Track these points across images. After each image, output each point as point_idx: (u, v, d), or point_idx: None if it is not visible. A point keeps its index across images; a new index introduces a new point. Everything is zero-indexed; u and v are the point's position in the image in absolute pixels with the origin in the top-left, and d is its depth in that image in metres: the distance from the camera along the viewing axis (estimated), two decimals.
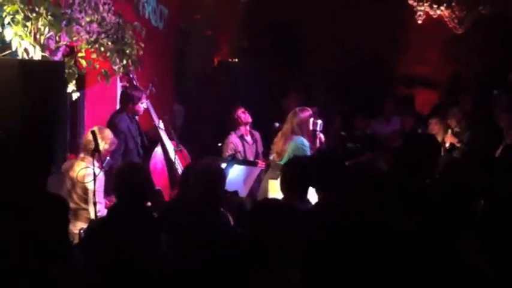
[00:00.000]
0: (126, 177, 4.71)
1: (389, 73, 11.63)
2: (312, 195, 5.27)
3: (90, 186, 6.00)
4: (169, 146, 7.57)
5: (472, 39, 11.08)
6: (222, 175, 5.11)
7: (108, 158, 6.44)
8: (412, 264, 3.61)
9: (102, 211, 6.01)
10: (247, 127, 8.28)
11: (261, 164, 7.79)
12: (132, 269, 4.13)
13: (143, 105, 7.44)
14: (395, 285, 3.47)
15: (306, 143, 7.32)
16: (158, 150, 7.52)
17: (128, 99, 7.40)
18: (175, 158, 7.46)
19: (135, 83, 7.56)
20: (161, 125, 7.61)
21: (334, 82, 11.39)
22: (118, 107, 7.67)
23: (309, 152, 7.23)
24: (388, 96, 10.47)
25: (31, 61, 5.44)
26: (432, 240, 3.86)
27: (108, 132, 6.53)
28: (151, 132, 7.64)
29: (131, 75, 7.54)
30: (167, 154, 7.54)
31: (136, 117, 7.49)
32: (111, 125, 7.25)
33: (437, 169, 5.44)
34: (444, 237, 3.96)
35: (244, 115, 8.26)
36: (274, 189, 6.50)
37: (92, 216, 5.86)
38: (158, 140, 7.57)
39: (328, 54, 11.33)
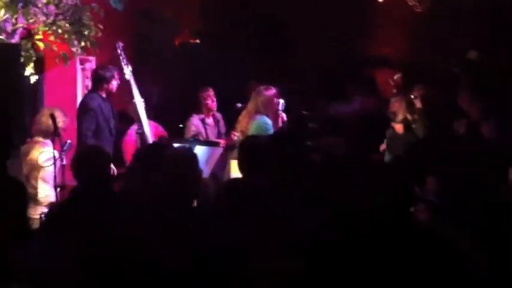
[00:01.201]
0: (86, 160, 4.65)
1: (351, 54, 11.64)
2: None
3: (50, 169, 5.95)
4: (146, 124, 7.53)
5: (431, 18, 11.13)
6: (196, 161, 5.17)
7: (68, 141, 6.37)
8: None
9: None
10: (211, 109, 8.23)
11: (223, 144, 7.77)
12: (97, 253, 4.08)
13: (116, 82, 7.36)
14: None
15: (269, 122, 7.32)
16: (133, 128, 7.49)
17: (100, 80, 7.31)
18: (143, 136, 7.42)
19: (121, 54, 7.48)
20: (141, 102, 7.53)
21: (295, 66, 11.38)
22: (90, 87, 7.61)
23: (271, 131, 7.24)
24: (350, 77, 10.51)
25: None
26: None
27: (59, 112, 6.43)
28: (130, 109, 7.57)
29: (118, 48, 7.47)
30: (144, 132, 7.50)
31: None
32: (82, 104, 7.25)
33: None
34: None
35: (211, 102, 8.18)
36: (237, 169, 6.52)
37: (52, 199, 5.81)
38: (135, 118, 7.51)
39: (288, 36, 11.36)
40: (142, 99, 7.54)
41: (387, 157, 8.45)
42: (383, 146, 8.47)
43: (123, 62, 7.52)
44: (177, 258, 3.90)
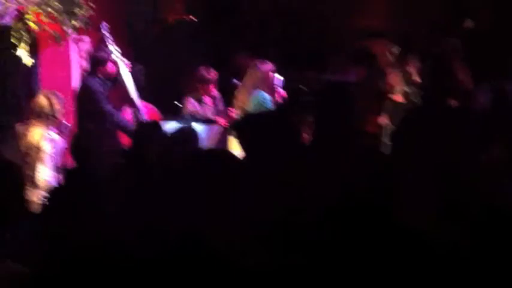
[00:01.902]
0: (82, 143, 4.63)
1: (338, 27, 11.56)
2: None
3: (48, 151, 5.93)
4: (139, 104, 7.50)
5: None
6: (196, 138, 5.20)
7: (66, 123, 6.36)
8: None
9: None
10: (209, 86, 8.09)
11: (222, 122, 7.70)
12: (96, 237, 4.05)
13: (111, 63, 7.37)
14: None
15: (267, 97, 7.27)
16: (127, 110, 7.48)
17: (96, 63, 7.33)
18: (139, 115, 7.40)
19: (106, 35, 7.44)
20: (131, 82, 7.51)
21: (282, 40, 11.31)
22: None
23: (270, 107, 7.20)
24: (340, 50, 10.43)
25: None
26: None
27: (56, 95, 6.43)
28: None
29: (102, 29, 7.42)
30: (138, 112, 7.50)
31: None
32: (83, 87, 7.27)
33: None
34: None
35: (212, 86, 8.05)
36: (236, 146, 6.49)
37: (52, 183, 5.78)
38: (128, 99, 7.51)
39: (273, 12, 11.28)
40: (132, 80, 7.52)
41: (390, 129, 8.44)
42: (382, 119, 8.47)
43: (109, 43, 7.48)
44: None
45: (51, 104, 5.78)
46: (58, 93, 6.52)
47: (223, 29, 10.76)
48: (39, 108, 6.22)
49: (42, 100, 6.18)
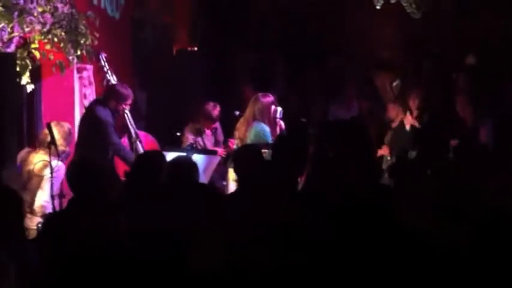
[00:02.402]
0: (79, 171, 4.63)
1: (347, 56, 11.61)
2: None
3: (47, 178, 5.94)
4: (134, 133, 7.52)
5: (430, 23, 11.12)
6: (196, 170, 5.27)
7: (66, 149, 6.38)
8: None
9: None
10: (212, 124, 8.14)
11: (221, 152, 7.75)
12: (92, 261, 4.06)
13: (126, 108, 7.37)
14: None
15: (267, 129, 7.33)
16: (124, 141, 7.49)
17: (114, 96, 7.29)
18: (136, 147, 7.41)
19: (104, 65, 7.47)
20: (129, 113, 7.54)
21: (291, 70, 11.36)
22: (99, 99, 7.58)
23: (269, 139, 7.24)
24: (349, 80, 10.46)
25: None
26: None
27: (66, 127, 6.47)
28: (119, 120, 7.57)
29: (101, 59, 7.46)
30: (138, 141, 7.50)
31: None
32: (92, 116, 7.20)
33: None
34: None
35: (214, 121, 8.11)
36: (234, 176, 6.52)
37: (48, 210, 5.79)
38: (125, 129, 7.51)
39: (286, 38, 11.33)
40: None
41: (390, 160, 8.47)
42: (382, 151, 8.51)
43: (108, 73, 7.53)
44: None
45: (50, 132, 5.80)
46: (67, 124, 6.57)
47: (227, 60, 10.83)
48: (42, 138, 6.24)
49: (45, 130, 6.25)
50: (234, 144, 7.60)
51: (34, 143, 7.49)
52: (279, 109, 7.53)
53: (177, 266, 3.80)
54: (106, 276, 3.90)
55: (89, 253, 4.04)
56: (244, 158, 5.20)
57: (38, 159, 6.18)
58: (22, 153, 6.44)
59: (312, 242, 3.68)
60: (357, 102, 9.92)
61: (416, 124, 8.71)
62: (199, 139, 7.96)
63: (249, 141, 7.16)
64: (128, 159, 6.92)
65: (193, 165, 5.33)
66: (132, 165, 5.77)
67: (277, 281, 3.53)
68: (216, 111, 8.04)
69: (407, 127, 8.73)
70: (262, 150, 5.57)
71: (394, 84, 10.77)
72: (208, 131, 8.13)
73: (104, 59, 7.55)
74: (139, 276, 3.86)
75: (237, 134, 7.57)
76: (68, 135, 6.48)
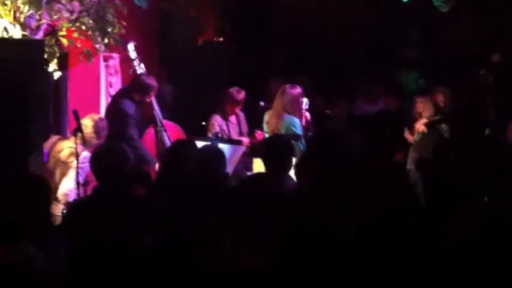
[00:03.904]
0: (103, 160, 4.58)
1: (372, 54, 11.56)
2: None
3: (73, 166, 5.95)
4: (160, 123, 7.52)
5: (456, 19, 11.04)
6: (224, 160, 5.32)
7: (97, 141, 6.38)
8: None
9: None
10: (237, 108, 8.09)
11: (246, 143, 7.73)
12: (111, 255, 4.05)
13: (151, 98, 7.35)
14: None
15: (298, 122, 7.39)
16: (151, 128, 7.49)
17: (139, 88, 7.30)
18: (162, 137, 7.41)
19: (133, 54, 7.48)
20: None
21: (314, 66, 11.33)
22: (124, 90, 7.58)
23: (300, 132, 7.27)
24: (373, 78, 10.41)
25: (9, 39, 5.38)
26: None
27: (97, 120, 6.47)
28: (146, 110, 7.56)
29: (131, 48, 7.48)
30: (164, 131, 7.49)
31: None
32: (116, 107, 7.22)
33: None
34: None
35: (239, 107, 8.08)
36: (260, 167, 6.52)
37: (72, 197, 5.80)
38: (151, 119, 7.51)
39: (310, 36, 11.33)
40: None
41: (411, 156, 8.45)
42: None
43: (136, 62, 7.51)
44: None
45: (76, 119, 5.81)
46: (99, 116, 6.61)
47: (254, 52, 10.82)
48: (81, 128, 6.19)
49: (86, 121, 6.29)
50: (262, 135, 7.60)
51: (60, 131, 7.55)
52: (305, 100, 7.54)
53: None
54: (121, 271, 3.90)
55: (105, 247, 4.03)
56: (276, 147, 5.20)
57: (65, 147, 6.20)
58: (51, 141, 6.48)
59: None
60: (384, 99, 9.85)
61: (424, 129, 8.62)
62: (224, 127, 7.91)
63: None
64: (140, 154, 6.89)
65: (222, 154, 5.35)
66: (165, 153, 5.81)
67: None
68: (240, 95, 7.95)
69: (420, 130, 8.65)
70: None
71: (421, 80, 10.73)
72: (233, 119, 8.06)
73: (133, 48, 7.53)
74: (153, 275, 3.85)
75: (267, 126, 7.57)
76: (99, 129, 6.46)
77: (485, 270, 3.62)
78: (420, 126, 8.65)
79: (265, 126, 7.68)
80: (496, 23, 10.68)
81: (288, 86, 7.57)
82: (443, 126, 8.70)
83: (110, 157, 4.52)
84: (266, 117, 7.68)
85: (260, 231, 3.81)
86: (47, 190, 4.06)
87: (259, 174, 5.56)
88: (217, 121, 7.90)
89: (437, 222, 3.89)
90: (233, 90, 7.98)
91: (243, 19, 11.01)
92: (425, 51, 11.49)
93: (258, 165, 6.59)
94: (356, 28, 11.56)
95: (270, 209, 4.08)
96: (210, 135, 7.68)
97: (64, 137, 6.77)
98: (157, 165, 7.08)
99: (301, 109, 7.53)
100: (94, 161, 4.59)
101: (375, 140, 4.75)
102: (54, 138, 6.74)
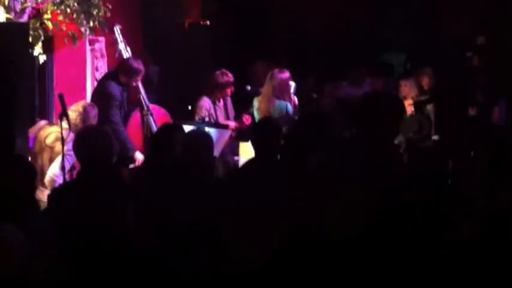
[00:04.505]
0: (85, 144, 4.55)
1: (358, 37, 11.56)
2: None
3: (58, 150, 5.91)
4: (146, 107, 7.50)
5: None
6: (212, 144, 5.31)
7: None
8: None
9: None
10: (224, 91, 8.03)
11: (233, 127, 7.70)
12: (94, 237, 4.03)
13: (138, 82, 7.33)
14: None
15: (290, 107, 7.42)
16: (137, 112, 7.47)
17: (125, 71, 7.26)
18: (148, 120, 7.40)
19: (119, 37, 7.44)
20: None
21: (302, 48, 11.32)
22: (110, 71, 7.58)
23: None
24: (358, 61, 10.42)
25: None
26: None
27: (89, 109, 6.42)
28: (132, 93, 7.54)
29: (116, 31, 7.44)
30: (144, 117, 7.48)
31: None
32: (105, 90, 7.17)
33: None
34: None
35: (229, 91, 8.01)
36: (246, 151, 6.53)
37: (58, 182, 5.76)
38: (138, 102, 7.48)
39: (297, 19, 11.31)
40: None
41: (398, 138, 8.46)
42: None
43: (121, 46, 7.49)
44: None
45: (62, 103, 5.75)
46: (84, 102, 6.57)
47: (239, 35, 10.80)
48: (70, 113, 6.12)
49: (74, 107, 6.27)
50: (249, 120, 7.59)
51: (45, 115, 7.52)
52: (293, 84, 7.57)
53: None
54: (106, 256, 3.88)
55: (89, 231, 4.01)
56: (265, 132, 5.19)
57: (51, 132, 6.16)
58: (39, 126, 6.44)
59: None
60: (371, 80, 9.85)
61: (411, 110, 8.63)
62: (212, 111, 7.87)
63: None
64: (120, 140, 6.85)
65: (209, 138, 5.35)
66: (153, 137, 5.79)
67: None
68: (225, 77, 7.83)
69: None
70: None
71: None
72: (221, 104, 7.99)
73: (119, 31, 7.50)
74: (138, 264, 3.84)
75: (257, 112, 7.57)
76: (87, 114, 6.41)
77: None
78: (407, 107, 8.66)
79: (255, 112, 7.67)
80: (483, 11, 10.71)
81: (276, 70, 7.57)
82: (429, 107, 8.72)
83: (92, 141, 4.48)
84: (256, 103, 7.67)
85: (257, 229, 3.83)
86: (32, 171, 4.05)
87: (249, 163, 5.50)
88: (204, 105, 7.84)
89: (437, 220, 3.89)
90: (216, 73, 7.92)
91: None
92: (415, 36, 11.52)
93: (244, 149, 6.60)
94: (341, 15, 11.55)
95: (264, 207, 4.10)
96: (197, 118, 7.65)
97: (51, 121, 6.72)
98: (137, 153, 7.11)
99: (290, 93, 7.55)
100: (76, 145, 4.55)
101: (366, 125, 4.67)
102: (41, 122, 6.71)
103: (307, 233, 3.72)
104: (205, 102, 7.83)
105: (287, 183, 4.56)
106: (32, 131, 6.29)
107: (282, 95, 7.46)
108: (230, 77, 7.85)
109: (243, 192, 4.64)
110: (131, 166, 6.91)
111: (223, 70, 7.90)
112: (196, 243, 3.83)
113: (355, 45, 11.25)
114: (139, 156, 7.10)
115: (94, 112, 6.45)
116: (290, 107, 7.42)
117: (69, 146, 5.77)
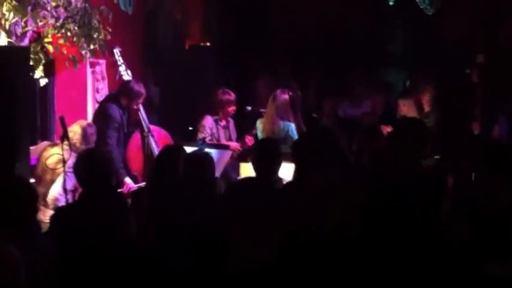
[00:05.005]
0: (85, 166, 4.61)
1: (358, 52, 11.58)
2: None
3: (60, 172, 5.95)
4: (146, 128, 7.53)
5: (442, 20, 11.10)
6: (213, 165, 5.39)
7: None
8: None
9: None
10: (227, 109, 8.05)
11: (234, 147, 7.73)
12: (98, 255, 4.07)
13: (139, 105, 7.40)
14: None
15: (293, 129, 7.45)
16: (136, 135, 7.51)
17: (126, 93, 7.34)
18: (149, 142, 7.43)
19: (119, 60, 7.49)
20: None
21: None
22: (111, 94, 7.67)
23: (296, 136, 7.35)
24: (359, 78, 10.43)
25: None
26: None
27: (84, 126, 6.50)
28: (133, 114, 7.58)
29: (116, 54, 7.50)
30: (145, 138, 7.51)
31: None
32: (105, 112, 7.25)
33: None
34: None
35: (232, 110, 8.01)
36: (247, 172, 6.54)
37: (61, 203, 5.81)
38: (138, 124, 7.52)
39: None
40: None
41: None
42: None
43: (122, 68, 7.55)
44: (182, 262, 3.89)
45: (63, 125, 5.81)
46: (86, 123, 6.70)
47: (241, 55, 10.83)
48: (69, 134, 6.19)
49: (75, 128, 6.35)
50: (252, 141, 7.62)
51: (47, 137, 7.56)
52: None
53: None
54: (110, 273, 3.91)
55: (93, 250, 4.05)
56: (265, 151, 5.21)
57: (53, 153, 6.20)
58: (41, 147, 6.50)
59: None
60: (371, 98, 9.86)
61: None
62: (214, 130, 7.90)
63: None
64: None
65: (211, 159, 5.40)
66: (156, 158, 5.85)
67: None
68: (226, 95, 7.91)
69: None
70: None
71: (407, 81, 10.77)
72: (223, 124, 8.03)
73: (119, 54, 7.57)
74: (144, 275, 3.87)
75: (264, 133, 7.60)
76: (87, 135, 6.53)
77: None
78: None
79: (259, 134, 7.71)
80: (479, 24, 10.73)
81: (279, 91, 7.62)
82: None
83: (92, 162, 4.54)
84: (259, 125, 7.71)
85: (259, 233, 3.85)
86: (33, 193, 4.09)
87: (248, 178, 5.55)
88: (207, 123, 7.88)
89: (437, 220, 3.92)
90: (218, 92, 7.96)
91: (228, 22, 11.01)
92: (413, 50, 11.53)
93: (245, 170, 6.63)
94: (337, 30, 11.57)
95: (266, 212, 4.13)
96: (199, 137, 7.69)
97: (53, 143, 6.77)
98: (127, 178, 7.13)
99: (297, 111, 7.57)
100: (76, 167, 4.62)
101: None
102: (43, 144, 6.78)
103: (307, 233, 3.74)
104: (208, 121, 7.89)
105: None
106: (34, 153, 6.34)
107: (286, 115, 7.50)
108: (232, 96, 7.91)
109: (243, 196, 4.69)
110: (119, 190, 6.90)
111: (225, 89, 7.96)
112: (198, 248, 3.86)
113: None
114: (128, 181, 7.12)
115: (92, 130, 6.56)
116: (293, 128, 7.42)
117: (70, 164, 5.85)
